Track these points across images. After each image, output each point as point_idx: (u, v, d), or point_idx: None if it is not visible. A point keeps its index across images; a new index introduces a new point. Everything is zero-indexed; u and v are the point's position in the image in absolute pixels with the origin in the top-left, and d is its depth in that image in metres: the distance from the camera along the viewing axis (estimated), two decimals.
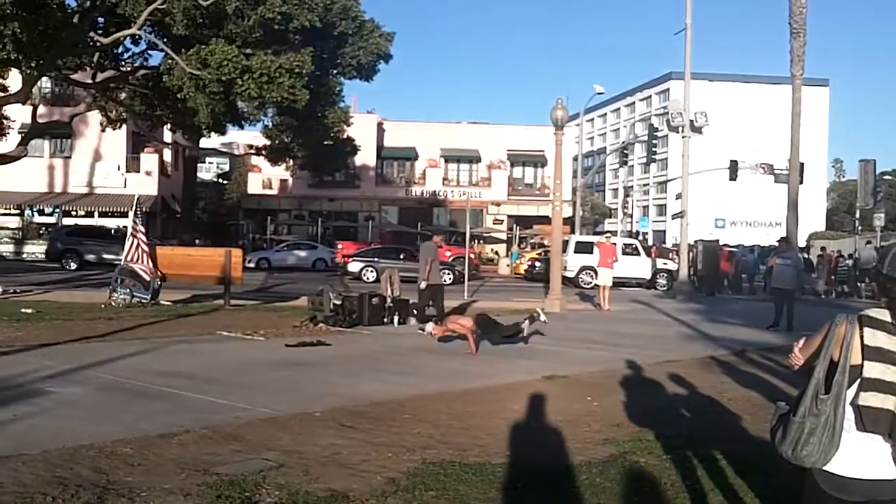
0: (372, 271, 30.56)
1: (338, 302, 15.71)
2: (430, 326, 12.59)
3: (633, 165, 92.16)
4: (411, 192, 55.02)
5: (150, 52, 27.45)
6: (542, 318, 13.21)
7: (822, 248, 35.75)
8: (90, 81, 27.20)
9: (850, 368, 2.86)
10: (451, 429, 7.12)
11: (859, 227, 42.68)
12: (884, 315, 2.88)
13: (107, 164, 45.23)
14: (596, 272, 25.05)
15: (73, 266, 31.81)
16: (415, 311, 15.79)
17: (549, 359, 11.66)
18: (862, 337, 2.87)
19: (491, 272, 41.54)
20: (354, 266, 31.66)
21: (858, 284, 30.05)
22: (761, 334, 15.67)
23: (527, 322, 13.00)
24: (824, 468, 2.89)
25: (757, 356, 12.58)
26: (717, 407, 8.47)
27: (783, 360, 11.27)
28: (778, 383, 9.91)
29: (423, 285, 15.79)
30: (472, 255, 32.11)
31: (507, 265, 42.25)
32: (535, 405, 8.19)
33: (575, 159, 53.74)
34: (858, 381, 2.84)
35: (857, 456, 2.86)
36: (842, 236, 59.45)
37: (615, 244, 24.45)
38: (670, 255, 35.83)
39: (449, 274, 31.21)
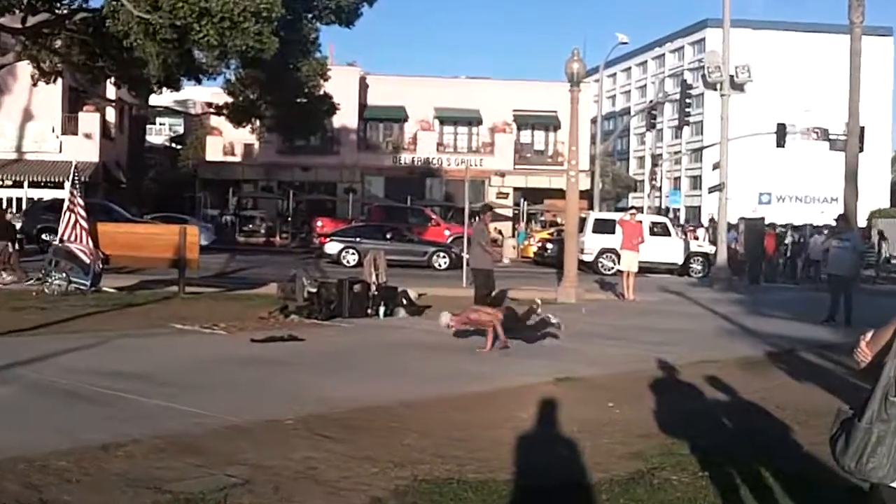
0: (353, 254, 30.53)
1: (313, 290, 15.70)
2: (445, 317, 12.47)
3: (662, 129, 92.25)
4: (400, 159, 54.99)
5: None
6: (553, 319, 13.09)
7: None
8: (19, 26, 26.99)
9: None
10: (446, 440, 7.12)
11: None
12: None
13: (39, 126, 45.00)
14: (618, 256, 25.07)
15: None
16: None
17: (563, 357, 11.66)
18: None
19: (494, 255, 41.60)
20: (333, 247, 31.65)
21: None
22: (815, 329, 15.73)
23: (536, 310, 13.05)
24: (893, 484, 2.87)
25: (810, 355, 12.64)
26: (762, 415, 8.49)
27: (841, 359, 11.34)
28: (835, 387, 9.94)
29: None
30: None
31: (513, 247, 42.30)
32: (545, 412, 8.20)
33: (593, 122, 53.74)
34: None
35: None
36: None
37: (641, 222, 24.35)
38: (707, 233, 35.96)
39: (445, 258, 31.34)
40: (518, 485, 5.92)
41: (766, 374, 10.94)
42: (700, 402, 9.07)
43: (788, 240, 34.86)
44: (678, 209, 78.24)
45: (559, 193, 40.56)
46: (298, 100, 36.06)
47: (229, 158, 54.38)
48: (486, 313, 12.35)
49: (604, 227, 31.25)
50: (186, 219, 35.29)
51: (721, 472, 6.28)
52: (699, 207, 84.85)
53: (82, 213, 18.35)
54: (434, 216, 43.19)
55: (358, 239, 31.45)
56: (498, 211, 52.93)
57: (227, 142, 53.99)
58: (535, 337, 12.89)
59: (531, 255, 38.12)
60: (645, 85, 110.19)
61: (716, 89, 28.49)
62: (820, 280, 29.99)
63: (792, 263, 32.99)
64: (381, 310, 15.81)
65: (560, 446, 7.10)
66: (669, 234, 33.02)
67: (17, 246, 21.49)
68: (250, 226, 48.37)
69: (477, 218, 16.24)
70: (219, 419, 7.43)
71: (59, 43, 29.74)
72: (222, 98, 39.83)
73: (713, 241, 30.91)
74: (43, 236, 31.81)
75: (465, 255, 16.20)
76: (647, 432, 7.54)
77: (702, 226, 45.29)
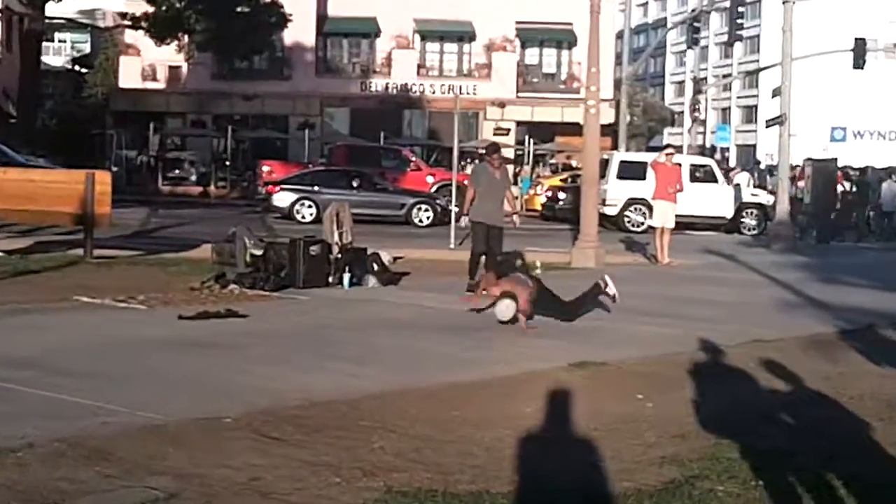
0: (310, 207, 30.46)
1: (258, 252, 15.64)
2: (509, 310, 12.16)
3: (706, 47, 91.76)
4: (370, 86, 54.78)
5: None
6: (610, 288, 13.15)
7: None
8: None
9: None
10: (430, 442, 7.12)
11: None
12: None
13: None
14: (650, 208, 25.06)
15: None
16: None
17: (580, 338, 11.67)
18: None
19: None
20: (284, 198, 31.58)
21: None
22: None
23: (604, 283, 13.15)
24: None
25: (894, 334, 12.66)
26: (832, 409, 8.53)
27: None
28: None
29: (463, 221, 16.46)
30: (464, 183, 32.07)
31: (515, 197, 42.23)
32: (557, 406, 8.22)
33: (619, 37, 53.36)
34: None
35: None
36: None
37: (679, 165, 24.35)
38: (752, 179, 36.02)
39: (428, 211, 31.31)
40: (520, 498, 5.93)
41: (837, 357, 10.98)
42: (753, 393, 9.10)
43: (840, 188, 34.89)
44: (727, 148, 78.18)
45: (574, 129, 40.37)
46: (238, 8, 35.82)
47: (150, 85, 54.04)
48: (515, 289, 12.33)
49: (632, 171, 31.26)
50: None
51: (779, 480, 6.31)
52: (753, 146, 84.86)
53: None
54: (414, 158, 43.08)
55: (316, 188, 31.35)
56: None
57: (147, 64, 53.60)
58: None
59: (538, 207, 38.10)
60: None
61: None
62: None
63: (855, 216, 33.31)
64: (346, 278, 15.73)
65: (574, 449, 7.12)
66: (716, 180, 33.06)
67: None
68: (177, 171, 48.20)
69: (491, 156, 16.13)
70: (136, 417, 7.41)
71: None
72: (140, 6, 39.52)
73: (760, 189, 31.00)
74: None
75: (460, 210, 16.23)
76: (685, 431, 7.56)
77: (746, 169, 45.26)
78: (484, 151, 18.88)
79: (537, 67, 57.17)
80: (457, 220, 20.65)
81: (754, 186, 35.72)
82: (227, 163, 48.44)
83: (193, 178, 47.49)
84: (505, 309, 12.24)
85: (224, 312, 12.55)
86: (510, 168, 51.07)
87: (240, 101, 53.24)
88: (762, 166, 53.19)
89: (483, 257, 15.67)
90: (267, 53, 48.80)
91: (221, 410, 7.67)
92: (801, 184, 33.03)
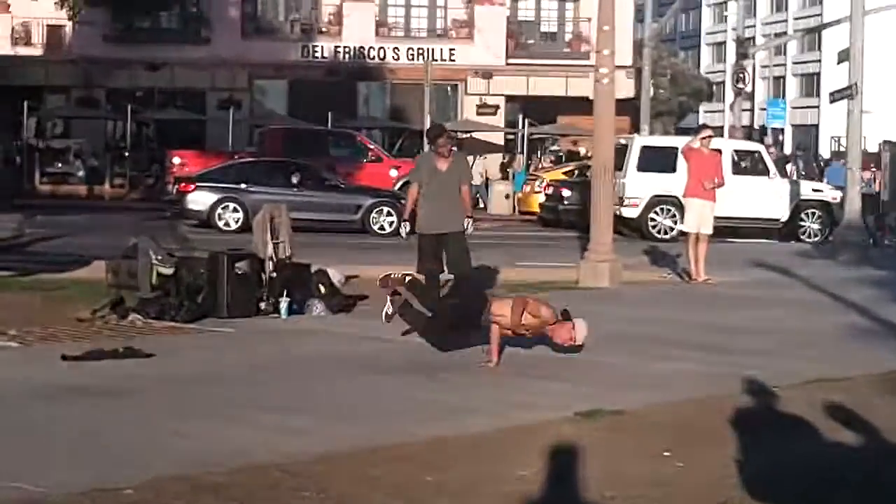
0: (236, 210, 30.45)
1: (167, 271, 15.62)
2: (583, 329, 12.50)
3: None
4: (314, 51, 54.69)
5: None
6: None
7: None
8: None
9: None
10: None
11: None
12: None
13: None
14: (682, 208, 25.12)
15: None
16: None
17: (591, 378, 11.75)
18: None
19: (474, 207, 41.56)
20: (201, 200, 31.51)
21: None
22: None
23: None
24: None
25: None
26: None
27: None
28: None
29: (403, 231, 16.51)
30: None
31: (507, 195, 42.34)
32: (561, 469, 8.24)
33: None
34: None
35: None
36: None
37: (719, 152, 24.43)
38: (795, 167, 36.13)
39: (391, 214, 31.25)
40: None
41: None
42: (814, 448, 9.15)
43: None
44: (781, 130, 78.55)
45: (582, 106, 40.52)
46: None
47: (22, 51, 53.93)
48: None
49: (657, 160, 31.38)
50: None
51: None
52: (815, 126, 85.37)
53: None
54: (373, 146, 43.08)
55: (243, 185, 31.33)
56: (478, 136, 52.99)
57: (19, 22, 53.46)
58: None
59: (535, 209, 38.13)
60: None
61: None
62: None
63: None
64: (283, 303, 15.75)
65: None
66: (766, 172, 33.14)
67: None
68: (60, 165, 48.00)
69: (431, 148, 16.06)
70: (6, 490, 7.38)
71: None
72: None
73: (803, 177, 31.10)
74: None
75: (400, 216, 16.17)
76: (726, 498, 7.59)
77: (791, 156, 45.34)
78: (427, 137, 18.87)
79: (534, 25, 57.23)
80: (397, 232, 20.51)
81: (796, 176, 35.83)
82: (126, 153, 48.29)
83: (81, 173, 47.29)
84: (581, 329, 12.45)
85: (122, 351, 12.49)
86: (497, 159, 51.39)
87: (142, 72, 53.07)
88: (800, 152, 53.14)
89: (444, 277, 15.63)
90: (178, 9, 48.73)
91: (119, 479, 7.62)
92: (866, 175, 33.12)
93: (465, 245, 15.69)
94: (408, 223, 16.16)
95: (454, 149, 17.23)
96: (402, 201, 31.72)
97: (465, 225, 15.82)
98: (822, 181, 37.54)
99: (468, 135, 52.13)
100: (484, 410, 10.29)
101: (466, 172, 16.51)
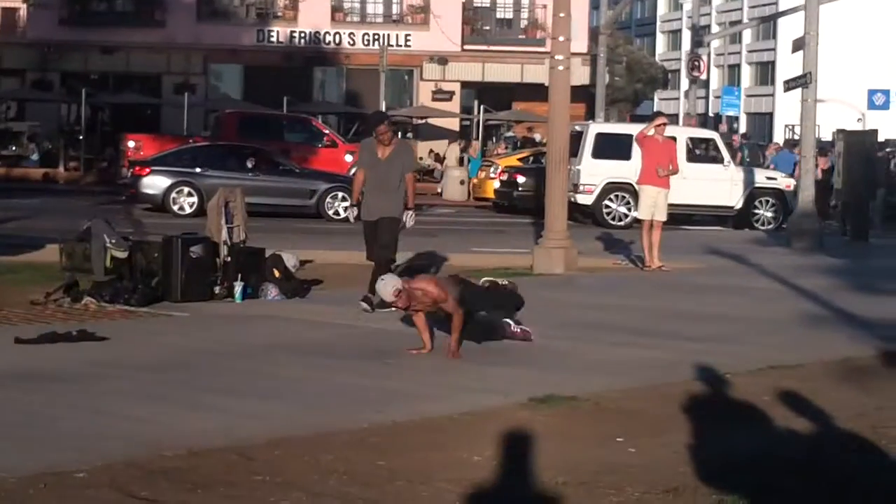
0: (191, 194, 30.33)
1: (121, 255, 15.60)
2: (391, 285, 12.16)
3: None
4: (268, 36, 54.45)
5: None
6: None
7: None
8: None
9: None
10: (348, 502, 7.14)
11: None
12: None
13: None
14: (636, 195, 25.16)
15: None
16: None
17: (544, 363, 11.76)
18: None
19: (429, 193, 41.52)
20: (155, 183, 31.37)
21: None
22: None
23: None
24: None
25: None
26: (870, 454, 8.61)
27: None
28: None
29: (350, 215, 16.51)
30: None
31: (461, 181, 42.29)
32: (514, 454, 8.26)
33: None
34: None
35: None
36: None
37: (674, 140, 24.44)
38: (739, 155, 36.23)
39: (346, 199, 31.16)
40: None
41: (877, 388, 11.07)
42: (766, 435, 9.19)
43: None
44: (736, 117, 78.84)
45: (538, 92, 40.56)
46: None
47: None
48: (441, 287, 12.30)
49: (612, 147, 31.37)
50: None
51: None
52: (770, 115, 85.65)
53: None
54: (328, 131, 42.98)
55: (198, 169, 31.22)
56: (433, 122, 52.96)
57: None
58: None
59: (490, 195, 38.11)
60: None
61: None
62: None
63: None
64: (238, 288, 15.72)
65: None
66: (721, 160, 33.22)
67: None
68: (13, 148, 47.67)
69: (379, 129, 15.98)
70: None
71: None
72: None
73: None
74: None
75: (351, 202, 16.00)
76: (678, 484, 7.60)
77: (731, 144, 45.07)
78: (367, 124, 18.82)
79: (489, 11, 57.10)
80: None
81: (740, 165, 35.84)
82: (81, 137, 47.98)
83: (35, 156, 47.00)
84: (387, 285, 12.12)
85: (76, 334, 12.45)
86: (451, 146, 51.32)
87: (97, 56, 52.77)
88: (744, 140, 52.95)
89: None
90: None
91: (73, 463, 7.61)
92: (821, 163, 33.11)
93: (395, 233, 15.49)
94: (355, 208, 16.21)
95: (397, 136, 17.23)
96: None
97: (403, 215, 15.60)
98: (768, 168, 37.53)
99: (423, 120, 52.14)
100: (438, 396, 10.30)
101: (409, 161, 16.39)
